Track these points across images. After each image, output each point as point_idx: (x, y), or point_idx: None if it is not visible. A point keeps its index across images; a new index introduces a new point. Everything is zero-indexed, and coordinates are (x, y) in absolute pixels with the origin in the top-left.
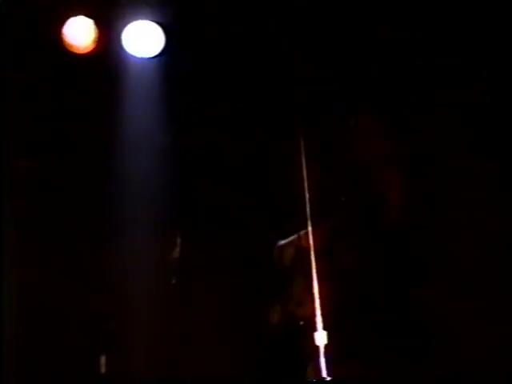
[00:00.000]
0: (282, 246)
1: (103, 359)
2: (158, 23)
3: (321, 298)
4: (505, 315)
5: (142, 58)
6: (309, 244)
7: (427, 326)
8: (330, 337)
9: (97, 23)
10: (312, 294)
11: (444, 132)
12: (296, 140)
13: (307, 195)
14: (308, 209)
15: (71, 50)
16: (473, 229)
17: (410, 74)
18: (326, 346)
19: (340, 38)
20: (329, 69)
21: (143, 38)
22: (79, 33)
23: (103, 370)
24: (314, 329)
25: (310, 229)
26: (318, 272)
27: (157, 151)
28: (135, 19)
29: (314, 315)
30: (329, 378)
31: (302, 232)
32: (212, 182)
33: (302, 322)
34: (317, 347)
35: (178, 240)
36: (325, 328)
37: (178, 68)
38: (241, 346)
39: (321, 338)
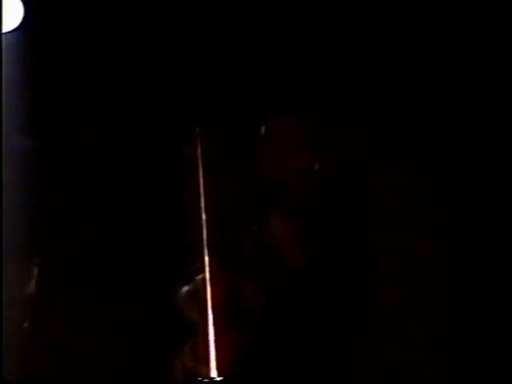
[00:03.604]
0: (186, 291)
1: None
2: None
3: (221, 351)
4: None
5: None
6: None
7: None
8: None
9: None
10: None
11: (367, 144)
12: (194, 147)
13: (204, 218)
14: (205, 238)
15: None
16: (399, 257)
17: (329, 78)
18: None
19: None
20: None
21: None
22: None
23: None
24: None
25: (207, 265)
26: (218, 323)
27: (14, 155)
28: None
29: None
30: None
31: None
32: (84, 196)
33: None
34: None
35: (35, 270)
36: None
37: (41, 47)
38: None
39: None
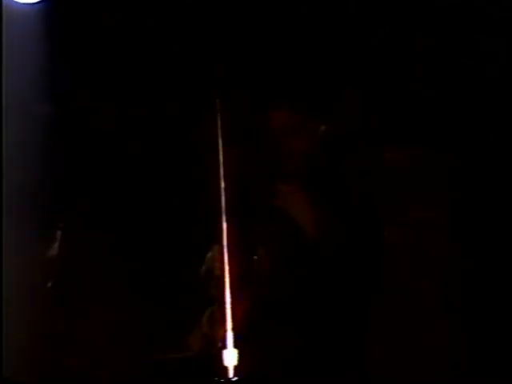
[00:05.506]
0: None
1: None
2: None
3: (236, 313)
4: None
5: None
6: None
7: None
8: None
9: None
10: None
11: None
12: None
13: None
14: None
15: None
16: (414, 247)
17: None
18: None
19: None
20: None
21: None
22: None
23: None
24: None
25: (224, 230)
26: (234, 291)
27: (36, 121)
28: None
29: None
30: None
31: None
32: (106, 163)
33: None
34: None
35: (59, 234)
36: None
37: (67, 19)
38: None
39: (230, 357)
